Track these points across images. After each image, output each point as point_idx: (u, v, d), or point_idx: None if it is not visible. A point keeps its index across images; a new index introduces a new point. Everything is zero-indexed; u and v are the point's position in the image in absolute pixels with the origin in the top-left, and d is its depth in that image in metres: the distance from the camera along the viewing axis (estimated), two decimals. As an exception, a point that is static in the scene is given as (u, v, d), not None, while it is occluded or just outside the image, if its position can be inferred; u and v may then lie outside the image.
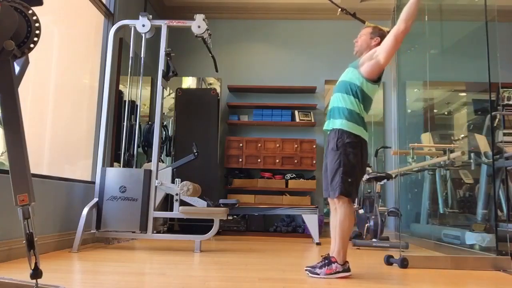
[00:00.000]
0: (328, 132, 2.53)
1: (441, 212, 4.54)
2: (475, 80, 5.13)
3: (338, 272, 2.34)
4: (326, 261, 2.38)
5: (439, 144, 4.83)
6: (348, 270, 2.37)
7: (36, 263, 1.50)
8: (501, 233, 3.11)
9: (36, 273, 1.51)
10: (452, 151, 4.14)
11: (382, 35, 2.53)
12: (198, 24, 3.62)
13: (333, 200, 2.47)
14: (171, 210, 3.55)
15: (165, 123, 5.18)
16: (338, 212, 2.42)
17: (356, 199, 4.62)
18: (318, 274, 2.35)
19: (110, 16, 4.20)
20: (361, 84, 2.46)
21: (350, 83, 2.48)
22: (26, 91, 2.83)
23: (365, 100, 2.48)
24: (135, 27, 3.74)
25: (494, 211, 3.47)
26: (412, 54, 4.85)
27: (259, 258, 3.12)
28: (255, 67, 5.77)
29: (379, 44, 2.50)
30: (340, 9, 2.71)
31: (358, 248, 3.89)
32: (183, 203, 3.53)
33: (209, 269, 2.61)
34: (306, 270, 2.42)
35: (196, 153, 3.99)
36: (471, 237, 3.54)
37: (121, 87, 4.32)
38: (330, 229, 2.55)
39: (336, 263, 2.34)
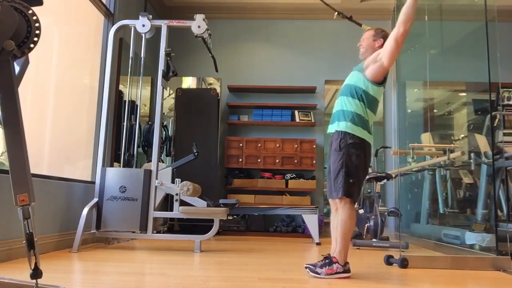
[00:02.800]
0: (332, 134, 2.54)
1: (441, 212, 4.54)
2: (475, 80, 5.13)
3: (339, 272, 2.34)
4: (327, 260, 2.38)
5: (439, 144, 4.83)
6: (348, 271, 2.37)
7: (36, 263, 1.50)
8: (501, 233, 3.11)
9: (36, 273, 1.51)
10: (452, 151, 4.14)
11: (385, 36, 2.54)
12: (198, 24, 3.62)
13: (335, 201, 2.47)
14: (171, 210, 3.55)
15: (165, 123, 5.18)
16: (340, 212, 2.42)
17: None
18: (319, 274, 2.35)
19: (110, 16, 4.20)
20: (366, 88, 2.46)
21: (356, 87, 2.49)
22: (26, 91, 2.83)
23: (371, 102, 2.48)
24: (135, 27, 3.73)
25: (494, 211, 3.47)
26: (412, 54, 4.85)
27: (259, 258, 3.13)
28: (255, 67, 5.77)
29: (382, 45, 2.50)
30: (336, 13, 2.71)
31: (358, 248, 3.89)
32: (183, 203, 3.53)
33: (209, 269, 2.61)
34: (306, 267, 2.42)
35: (196, 153, 3.99)
36: (471, 237, 3.54)
37: (121, 87, 4.32)
38: (331, 229, 2.55)
39: (337, 264, 2.35)
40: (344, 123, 2.45)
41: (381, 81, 2.49)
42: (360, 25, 2.77)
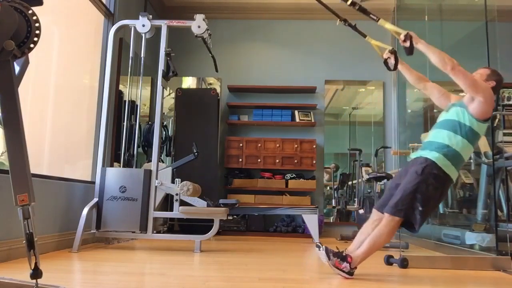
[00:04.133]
0: (415, 158, 2.52)
1: (441, 212, 4.54)
2: (475, 80, 5.12)
3: (344, 272, 2.33)
4: (343, 255, 2.36)
5: (439, 144, 4.81)
6: (352, 274, 2.36)
7: (36, 263, 1.50)
8: (501, 233, 3.11)
9: (36, 273, 1.51)
10: (452, 151, 4.13)
11: (498, 81, 2.56)
12: (198, 24, 3.62)
13: (381, 214, 2.45)
14: (171, 210, 3.55)
15: (165, 123, 5.18)
16: (382, 226, 2.39)
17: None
18: (329, 260, 2.33)
19: (110, 16, 4.20)
20: (472, 124, 2.46)
21: (460, 123, 2.48)
22: (26, 91, 2.83)
23: (475, 138, 2.49)
24: (135, 27, 3.73)
25: (494, 211, 3.47)
26: (413, 54, 4.84)
27: (259, 258, 3.13)
28: (255, 67, 5.77)
29: (493, 88, 2.53)
30: (339, 20, 2.65)
31: (358, 248, 3.88)
32: (183, 203, 3.53)
33: (209, 269, 2.61)
34: (317, 244, 2.40)
35: (196, 153, 3.99)
36: (471, 237, 3.53)
37: (121, 87, 4.31)
38: (359, 233, 2.54)
39: (348, 264, 2.33)
40: (436, 153, 2.43)
41: (487, 118, 2.49)
42: (364, 36, 2.71)
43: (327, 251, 2.35)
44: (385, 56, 2.67)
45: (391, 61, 2.64)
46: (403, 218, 2.37)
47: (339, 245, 2.55)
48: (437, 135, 2.52)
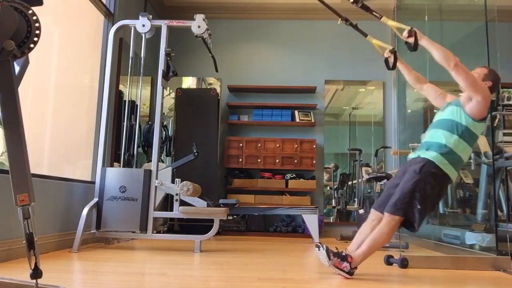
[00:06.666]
0: (413, 158, 2.53)
1: (441, 212, 4.54)
2: (475, 80, 5.12)
3: (344, 271, 2.33)
4: (343, 254, 2.36)
5: (439, 144, 4.81)
6: (352, 274, 2.36)
7: (36, 263, 1.50)
8: (501, 233, 3.11)
9: (36, 273, 1.51)
10: (452, 151, 4.13)
11: (495, 81, 2.57)
12: (198, 24, 3.62)
13: (379, 214, 2.47)
14: (171, 210, 3.55)
15: (165, 123, 5.18)
16: (383, 225, 2.39)
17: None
18: (329, 260, 2.33)
19: (110, 16, 4.20)
20: (468, 124, 2.47)
21: (457, 123, 2.48)
22: (26, 91, 2.83)
23: (471, 138, 2.49)
24: (135, 27, 3.73)
25: (494, 211, 3.47)
26: (412, 54, 4.84)
27: (259, 258, 3.13)
28: (255, 67, 5.77)
29: (490, 87, 2.53)
30: (340, 19, 2.68)
31: (358, 248, 3.88)
32: (183, 203, 3.53)
33: (209, 269, 2.61)
34: (317, 244, 2.39)
35: (196, 153, 3.99)
36: (471, 237, 3.54)
37: (121, 87, 4.32)
38: (358, 234, 2.54)
39: (349, 264, 2.33)
40: (433, 153, 2.44)
41: (483, 118, 2.49)
42: (365, 35, 2.73)
43: (328, 251, 2.35)
44: (386, 55, 2.69)
45: (391, 60, 2.65)
46: (402, 216, 2.38)
47: (339, 245, 2.55)
48: (434, 135, 2.53)
